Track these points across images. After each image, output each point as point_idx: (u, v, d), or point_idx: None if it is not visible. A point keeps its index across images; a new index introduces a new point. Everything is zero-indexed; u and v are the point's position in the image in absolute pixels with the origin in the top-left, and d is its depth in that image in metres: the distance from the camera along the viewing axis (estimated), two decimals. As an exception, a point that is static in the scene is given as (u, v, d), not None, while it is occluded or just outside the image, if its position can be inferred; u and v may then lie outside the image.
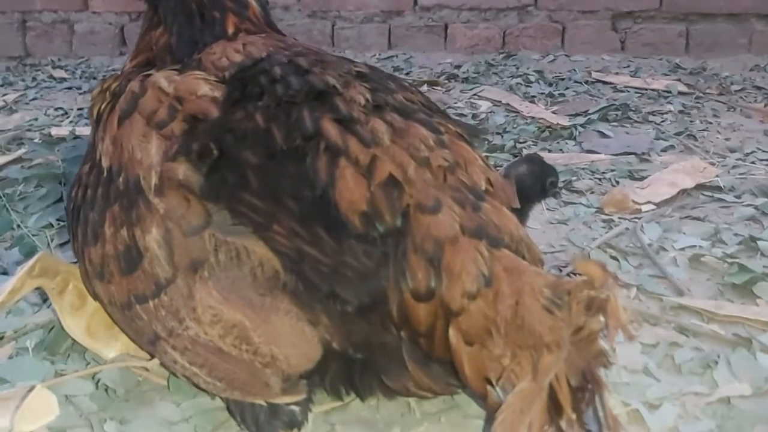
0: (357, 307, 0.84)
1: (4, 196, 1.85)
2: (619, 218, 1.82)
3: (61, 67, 3.90)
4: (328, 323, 0.85)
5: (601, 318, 0.75)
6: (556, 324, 0.75)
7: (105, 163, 1.00)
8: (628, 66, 3.62)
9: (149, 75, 1.03)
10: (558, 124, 2.58)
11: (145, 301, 0.91)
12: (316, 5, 3.91)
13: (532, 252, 0.87)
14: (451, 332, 0.80)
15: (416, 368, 0.86)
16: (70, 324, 1.14)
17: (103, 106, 1.08)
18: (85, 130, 2.50)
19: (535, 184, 1.38)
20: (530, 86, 3.27)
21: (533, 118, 2.70)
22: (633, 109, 2.85)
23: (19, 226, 1.72)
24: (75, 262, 1.11)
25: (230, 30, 1.13)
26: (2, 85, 3.59)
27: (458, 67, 3.63)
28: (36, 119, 2.81)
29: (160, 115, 0.95)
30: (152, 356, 1.04)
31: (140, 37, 1.23)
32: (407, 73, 3.55)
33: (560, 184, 1.47)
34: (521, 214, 1.10)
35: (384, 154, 0.86)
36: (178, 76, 1.01)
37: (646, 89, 3.21)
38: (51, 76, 3.72)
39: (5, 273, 1.56)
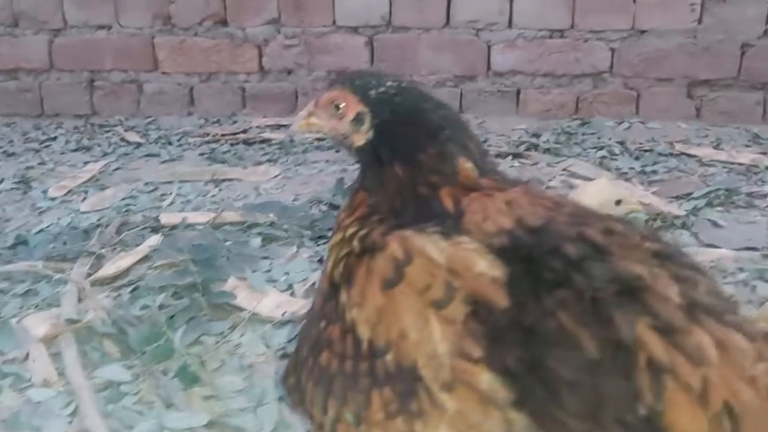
0: None
1: (154, 309, 1.78)
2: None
3: (131, 128, 3.87)
4: None
5: None
6: None
7: (364, 334, 0.94)
8: (707, 135, 3.59)
9: (406, 236, 0.97)
10: (670, 212, 2.54)
11: None
12: (389, 69, 3.89)
13: None
14: None
15: None
16: None
17: (349, 260, 1.02)
18: (195, 217, 2.45)
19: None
20: (616, 159, 3.24)
21: (642, 203, 2.66)
22: (734, 190, 2.81)
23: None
24: None
25: (448, 204, 1.03)
26: (76, 150, 3.56)
27: (536, 135, 3.59)
28: (132, 198, 2.77)
29: (436, 293, 0.90)
30: None
31: (356, 193, 1.15)
32: (484, 141, 3.51)
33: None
34: None
35: (715, 376, 0.82)
36: (445, 242, 0.94)
37: (733, 163, 3.19)
38: (123, 139, 3.69)
39: (171, 406, 1.51)
